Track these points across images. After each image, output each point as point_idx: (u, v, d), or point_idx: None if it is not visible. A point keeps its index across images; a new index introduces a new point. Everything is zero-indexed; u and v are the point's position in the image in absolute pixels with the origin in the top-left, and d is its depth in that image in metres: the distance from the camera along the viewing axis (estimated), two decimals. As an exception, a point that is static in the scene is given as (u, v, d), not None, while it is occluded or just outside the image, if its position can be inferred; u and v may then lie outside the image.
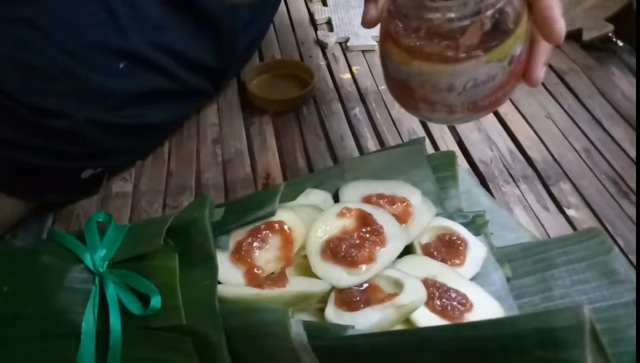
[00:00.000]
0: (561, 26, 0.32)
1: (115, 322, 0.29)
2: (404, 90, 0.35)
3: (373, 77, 0.63)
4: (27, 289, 0.30)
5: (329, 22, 0.70)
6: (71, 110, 0.41)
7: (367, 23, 0.37)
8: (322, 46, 0.67)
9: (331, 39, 0.67)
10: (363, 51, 0.66)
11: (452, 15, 0.31)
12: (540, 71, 0.34)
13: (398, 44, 0.33)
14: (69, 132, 0.41)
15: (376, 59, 0.65)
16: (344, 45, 0.67)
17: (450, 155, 0.46)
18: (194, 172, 0.51)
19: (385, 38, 0.35)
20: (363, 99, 0.60)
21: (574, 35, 0.68)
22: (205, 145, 0.54)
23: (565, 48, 0.68)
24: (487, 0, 0.31)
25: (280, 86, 0.60)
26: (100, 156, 0.46)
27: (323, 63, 0.65)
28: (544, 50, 0.34)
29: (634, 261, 0.44)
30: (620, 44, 0.68)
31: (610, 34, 0.67)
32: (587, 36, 0.67)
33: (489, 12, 0.31)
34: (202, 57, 0.51)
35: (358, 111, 0.58)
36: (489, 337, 0.23)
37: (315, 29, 0.70)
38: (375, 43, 0.66)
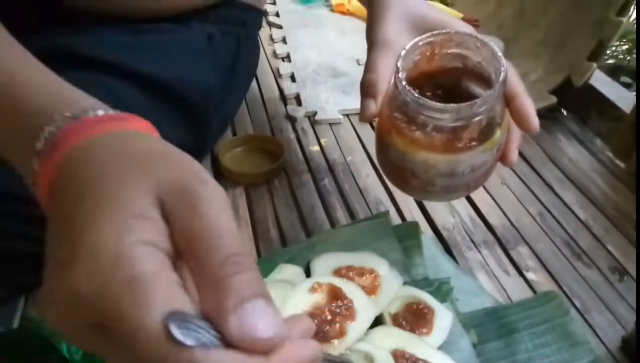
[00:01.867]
0: (536, 120, 0.40)
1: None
2: (405, 175, 0.40)
3: (340, 149, 0.66)
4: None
5: (297, 97, 0.75)
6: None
7: (366, 118, 0.41)
8: (292, 120, 0.70)
9: (300, 113, 0.71)
10: (330, 124, 0.70)
11: (460, 116, 0.36)
12: (515, 154, 0.41)
13: (404, 136, 0.38)
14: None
15: (342, 132, 0.69)
16: (312, 118, 0.71)
17: (414, 225, 0.49)
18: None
19: (389, 131, 0.39)
20: (332, 170, 0.63)
21: (523, 106, 0.74)
22: (179, 220, 0.55)
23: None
24: (487, 101, 0.36)
25: (252, 160, 0.63)
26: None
27: (293, 136, 0.68)
28: (516, 136, 0.41)
29: (590, 321, 0.47)
30: (565, 113, 0.74)
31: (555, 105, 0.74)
32: (534, 107, 0.73)
33: (487, 112, 0.37)
34: (178, 138, 0.52)
35: (327, 181, 0.61)
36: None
37: (285, 104, 0.74)
38: (341, 116, 0.70)
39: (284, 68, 0.80)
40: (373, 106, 0.40)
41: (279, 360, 0.19)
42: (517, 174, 0.63)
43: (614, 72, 0.97)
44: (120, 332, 0.18)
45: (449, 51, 0.41)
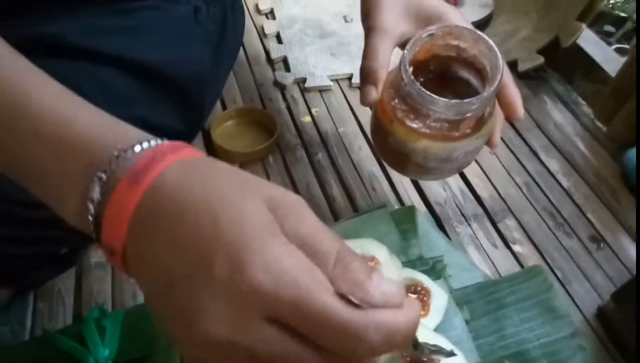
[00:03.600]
0: (522, 109, 0.42)
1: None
2: (403, 159, 0.43)
3: (332, 119, 0.66)
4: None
5: (285, 61, 0.73)
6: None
7: (367, 104, 0.42)
8: (281, 88, 0.69)
9: (289, 80, 0.69)
10: (320, 91, 0.69)
11: (463, 109, 0.38)
12: (499, 138, 0.44)
13: (405, 126, 0.40)
14: (52, 220, 0.42)
15: (333, 99, 0.68)
16: (301, 85, 0.69)
17: (411, 209, 0.51)
18: (170, 233, 0.53)
19: (390, 119, 0.41)
20: (325, 143, 0.63)
21: (510, 66, 0.74)
22: (177, 203, 0.55)
23: (503, 79, 0.74)
24: (489, 97, 0.38)
25: (244, 134, 0.63)
26: (80, 235, 0.46)
27: (283, 106, 0.67)
28: (501, 121, 0.43)
29: (571, 291, 0.51)
30: (551, 73, 0.75)
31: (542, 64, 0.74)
32: (522, 67, 0.73)
33: (485, 105, 0.39)
34: (173, 123, 0.52)
35: (321, 156, 0.61)
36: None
37: (273, 69, 0.72)
38: (331, 83, 0.69)
39: (269, 27, 0.77)
40: (374, 94, 0.41)
41: (412, 310, 0.23)
42: (505, 144, 0.65)
43: (596, 19, 0.97)
44: (307, 313, 0.20)
45: (447, 42, 0.41)
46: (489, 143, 0.44)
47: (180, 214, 0.22)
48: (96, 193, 0.23)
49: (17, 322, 0.44)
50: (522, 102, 0.43)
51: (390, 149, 0.43)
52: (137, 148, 0.24)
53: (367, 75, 0.42)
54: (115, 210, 0.23)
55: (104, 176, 0.24)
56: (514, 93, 0.42)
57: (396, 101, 0.41)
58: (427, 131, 0.40)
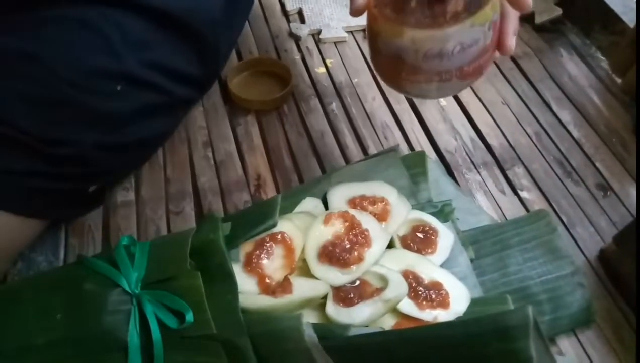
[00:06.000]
0: None
1: (156, 335, 0.34)
2: (396, 66, 0.38)
3: (346, 70, 0.67)
4: (77, 315, 0.35)
5: (300, 13, 0.73)
6: (78, 137, 0.44)
7: (355, 11, 0.38)
8: (296, 39, 0.70)
9: (304, 32, 0.70)
10: (335, 43, 0.70)
11: None
12: (512, 40, 0.39)
13: (389, 19, 0.36)
14: (77, 157, 0.45)
15: (347, 51, 0.69)
16: (316, 37, 0.70)
17: (421, 155, 0.52)
18: (190, 177, 0.55)
19: (375, 19, 0.38)
20: (339, 94, 0.64)
21: (526, 18, 0.74)
22: (197, 149, 0.58)
23: (519, 30, 0.73)
24: None
25: (260, 84, 0.64)
26: (105, 174, 0.49)
27: (298, 57, 0.68)
28: (512, 21, 0.39)
29: (574, 235, 0.53)
30: (569, 26, 0.74)
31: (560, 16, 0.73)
32: (538, 19, 0.73)
33: None
34: (189, 68, 0.54)
35: (335, 106, 0.63)
36: (460, 334, 0.31)
37: (288, 21, 0.72)
38: (346, 34, 0.70)
39: (284, -21, 0.77)
40: None
41: None
42: (517, 94, 0.65)
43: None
44: None
45: None
46: (499, 45, 0.38)
47: None
48: None
49: (51, 253, 0.48)
50: None
51: (381, 55, 0.39)
52: None
53: None
54: None
55: None
56: None
57: None
58: (411, 18, 0.36)
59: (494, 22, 0.37)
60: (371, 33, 0.39)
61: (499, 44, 0.38)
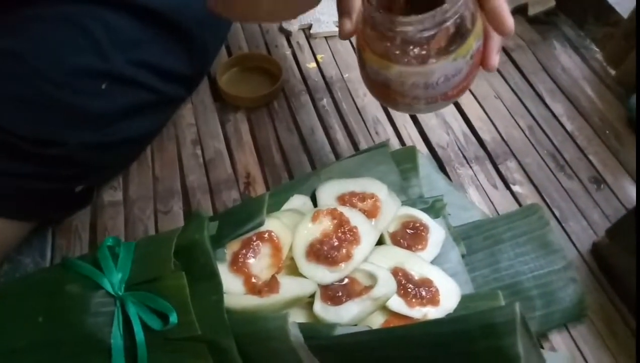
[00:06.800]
0: (511, 22, 0.38)
1: (140, 337, 0.34)
2: (385, 90, 0.40)
3: (337, 65, 0.66)
4: (59, 318, 0.35)
5: (290, 8, 0.72)
6: (64, 137, 0.44)
7: (344, 36, 0.40)
8: (287, 34, 0.69)
9: (294, 27, 0.69)
10: (326, 37, 0.69)
11: (424, 26, 0.35)
12: (495, 59, 0.40)
13: (375, 52, 0.38)
14: (64, 157, 0.44)
15: (339, 46, 0.68)
16: (307, 32, 0.69)
17: (412, 150, 0.52)
18: (178, 175, 0.55)
19: (364, 47, 0.39)
20: (329, 89, 0.64)
21: (520, 10, 0.73)
22: (185, 147, 0.57)
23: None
24: (450, 9, 0.35)
25: (249, 80, 0.63)
26: (93, 173, 0.49)
27: (289, 52, 0.67)
28: (496, 41, 0.39)
29: (567, 228, 0.52)
30: (562, 17, 0.73)
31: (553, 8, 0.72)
32: (532, 11, 0.72)
33: (453, 20, 0.36)
34: (178, 66, 0.53)
35: (325, 101, 0.62)
36: (447, 331, 0.30)
37: (278, 16, 0.71)
38: (337, 29, 0.69)
39: (274, -27, 0.76)
40: (348, 24, 0.40)
41: None
42: (510, 87, 0.65)
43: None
44: None
45: None
46: (483, 64, 0.40)
47: None
48: None
49: (38, 254, 0.48)
50: (510, 13, 0.38)
51: (370, 80, 0.41)
52: None
53: (341, 5, 0.40)
54: None
55: None
56: (500, 4, 0.37)
57: (367, 30, 0.38)
58: (396, 54, 0.37)
59: (477, 50, 0.38)
60: (359, 57, 0.41)
61: (483, 62, 0.40)
